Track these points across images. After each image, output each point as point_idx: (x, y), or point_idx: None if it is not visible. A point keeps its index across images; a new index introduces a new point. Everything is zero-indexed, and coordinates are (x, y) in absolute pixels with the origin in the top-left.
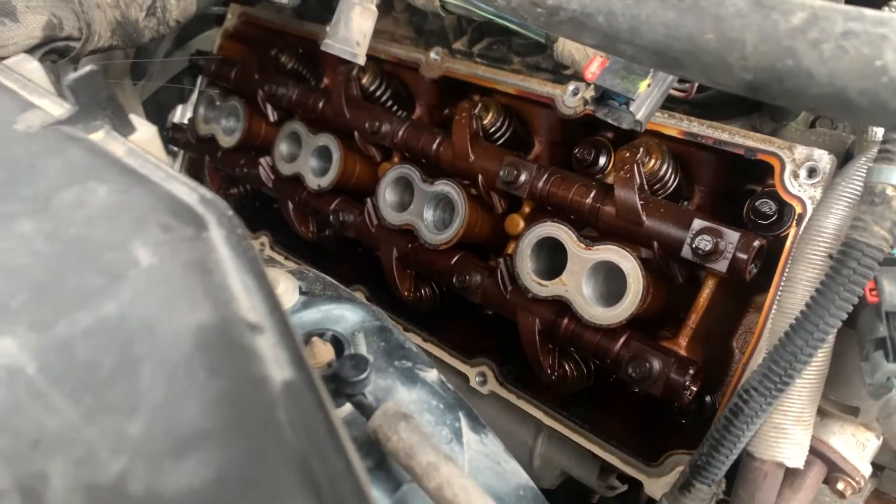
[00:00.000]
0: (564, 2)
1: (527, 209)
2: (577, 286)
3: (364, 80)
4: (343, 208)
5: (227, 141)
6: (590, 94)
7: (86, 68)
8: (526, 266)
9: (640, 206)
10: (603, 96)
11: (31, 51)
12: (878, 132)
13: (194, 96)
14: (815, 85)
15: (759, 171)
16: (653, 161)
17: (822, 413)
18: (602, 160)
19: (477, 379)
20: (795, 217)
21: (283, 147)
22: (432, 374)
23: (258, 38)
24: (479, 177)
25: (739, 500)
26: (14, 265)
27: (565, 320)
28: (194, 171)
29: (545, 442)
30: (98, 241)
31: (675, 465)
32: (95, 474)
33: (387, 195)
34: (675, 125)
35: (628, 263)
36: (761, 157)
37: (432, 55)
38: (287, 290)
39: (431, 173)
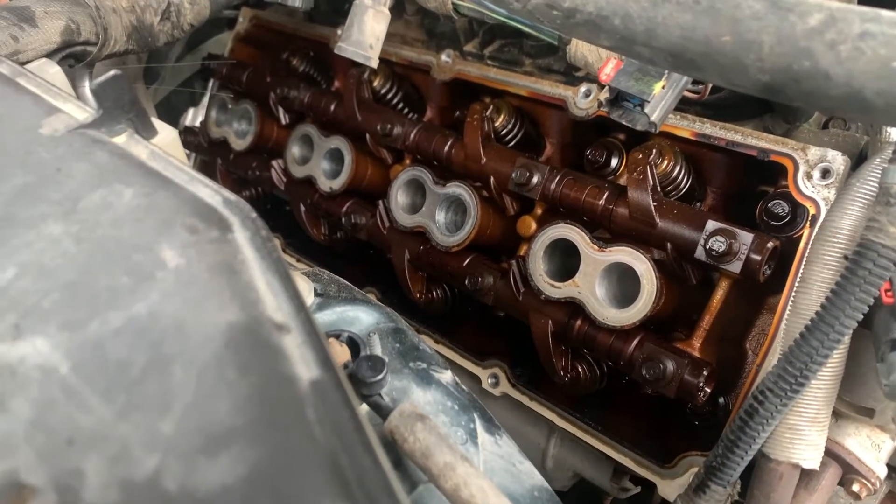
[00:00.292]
0: (581, 4)
1: (539, 211)
2: (590, 288)
3: (375, 83)
4: (355, 210)
5: (239, 144)
6: (604, 95)
7: (110, 72)
8: (538, 268)
9: (653, 208)
10: (617, 98)
11: (49, 55)
12: (893, 133)
13: (206, 99)
14: (832, 86)
15: (771, 173)
16: (665, 162)
17: (837, 414)
18: (614, 161)
19: (489, 380)
20: (809, 218)
21: (295, 150)
22: (447, 376)
23: (269, 41)
24: (491, 179)
25: (755, 501)
26: (45, 266)
27: (578, 322)
28: (206, 174)
29: (558, 443)
30: (126, 242)
31: (688, 467)
32: (130, 471)
33: (399, 197)
34: (688, 126)
35: (642, 265)
36: (774, 159)
37: (443, 57)
38: (302, 291)
39: (443, 175)
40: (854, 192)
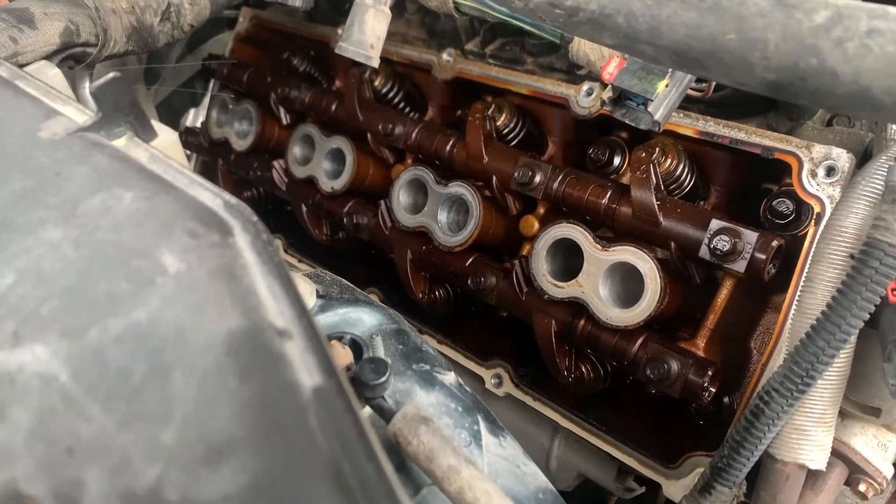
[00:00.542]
0: (584, 3)
1: (541, 210)
2: (593, 287)
3: (377, 83)
4: (357, 211)
5: (240, 144)
6: (607, 94)
7: (109, 75)
8: (541, 267)
9: (656, 207)
10: (620, 97)
11: (48, 57)
12: None
13: (206, 100)
14: (839, 84)
15: (775, 171)
16: (669, 161)
17: (843, 414)
18: (616, 160)
19: (492, 381)
20: (814, 216)
21: (296, 150)
22: (450, 377)
23: (270, 41)
24: (494, 178)
25: (761, 501)
26: (44, 272)
27: (582, 322)
28: (207, 174)
29: (561, 444)
30: (126, 247)
31: (693, 467)
32: (131, 482)
33: (400, 197)
34: (691, 125)
35: (646, 264)
36: (778, 157)
37: (445, 56)
38: (304, 293)
39: (445, 175)
40: (860, 190)
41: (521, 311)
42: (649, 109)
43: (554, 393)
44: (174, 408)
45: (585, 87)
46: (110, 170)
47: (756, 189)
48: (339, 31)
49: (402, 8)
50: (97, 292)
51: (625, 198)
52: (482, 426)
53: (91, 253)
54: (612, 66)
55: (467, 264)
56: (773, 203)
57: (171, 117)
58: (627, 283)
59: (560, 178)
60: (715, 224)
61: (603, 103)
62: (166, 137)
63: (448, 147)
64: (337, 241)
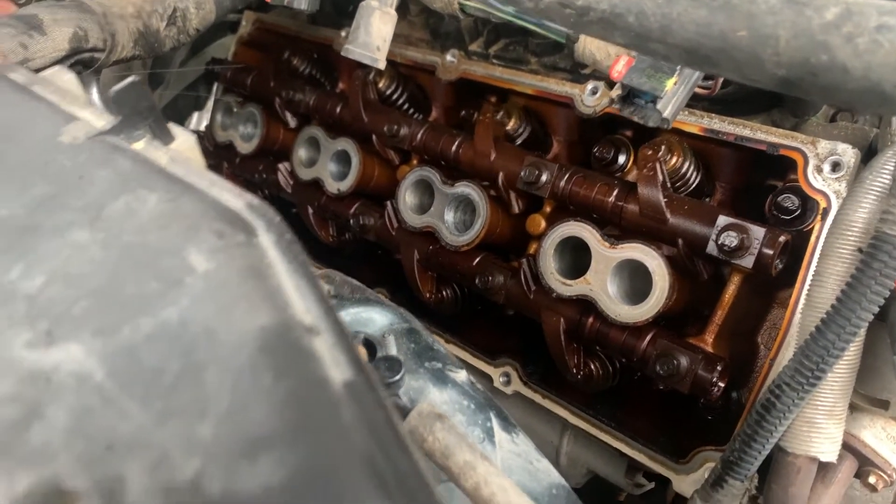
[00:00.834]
0: (594, 2)
1: (548, 209)
2: (601, 285)
3: (381, 84)
4: (363, 212)
5: (245, 147)
6: (616, 92)
7: (128, 79)
8: (549, 266)
9: (663, 204)
10: (629, 95)
11: (58, 63)
12: None
13: (211, 103)
14: (850, 79)
15: (780, 167)
16: (675, 158)
17: (852, 407)
18: (622, 158)
19: (501, 379)
20: (820, 212)
21: (301, 152)
22: (462, 375)
23: (273, 44)
24: (500, 177)
25: (773, 494)
26: (73, 273)
27: (590, 319)
28: None
29: (571, 441)
30: (153, 248)
31: (703, 462)
32: (171, 476)
33: (407, 198)
34: (696, 122)
35: (654, 261)
36: (784, 153)
37: (448, 57)
38: None
39: (451, 175)
40: (867, 185)
41: (529, 310)
42: (658, 107)
43: (563, 390)
44: (209, 404)
45: (590, 86)
46: (133, 173)
47: (761, 185)
48: (343, 34)
49: (406, 10)
50: (127, 292)
51: (631, 195)
52: (495, 423)
53: (119, 254)
54: (620, 64)
55: (475, 263)
56: (779, 199)
57: (176, 121)
58: (635, 281)
59: (567, 176)
60: (722, 220)
61: (611, 101)
62: (184, 140)
63: (454, 147)
64: (343, 242)
